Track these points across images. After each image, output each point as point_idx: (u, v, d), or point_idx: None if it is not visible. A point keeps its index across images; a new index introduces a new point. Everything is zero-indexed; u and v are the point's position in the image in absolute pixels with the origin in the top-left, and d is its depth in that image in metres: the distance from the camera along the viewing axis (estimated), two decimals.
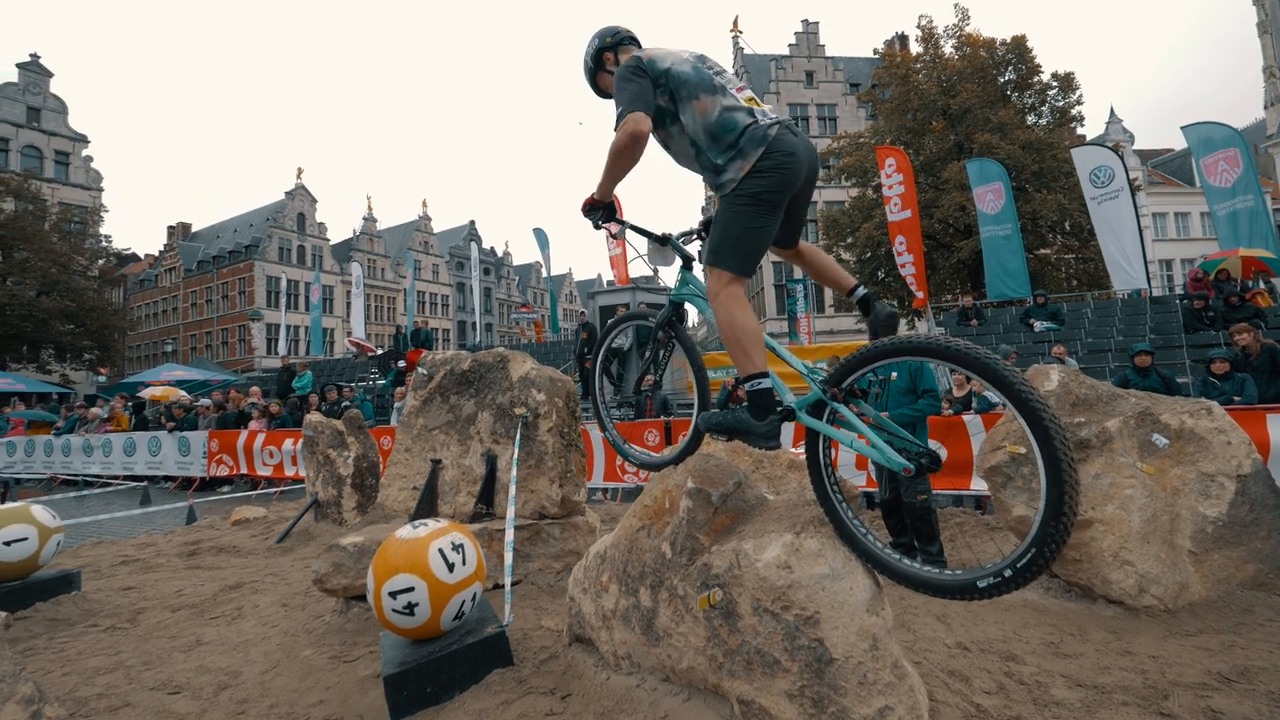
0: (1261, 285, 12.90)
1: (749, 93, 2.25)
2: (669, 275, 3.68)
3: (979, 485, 6.01)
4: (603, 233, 2.54)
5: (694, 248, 2.62)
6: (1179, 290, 20.21)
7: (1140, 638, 3.03)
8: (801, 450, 2.10)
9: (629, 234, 2.60)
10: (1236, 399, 6.22)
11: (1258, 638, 2.94)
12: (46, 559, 3.95)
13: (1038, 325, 12.83)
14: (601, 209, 2.42)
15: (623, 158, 2.19)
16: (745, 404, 2.12)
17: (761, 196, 2.08)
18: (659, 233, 2.60)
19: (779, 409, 2.10)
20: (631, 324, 2.87)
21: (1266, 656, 2.72)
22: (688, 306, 2.66)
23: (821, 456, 2.05)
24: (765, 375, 2.07)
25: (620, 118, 2.15)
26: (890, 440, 1.93)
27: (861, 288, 2.28)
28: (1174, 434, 3.55)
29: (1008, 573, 1.60)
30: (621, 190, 2.47)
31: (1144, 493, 3.39)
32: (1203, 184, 14.39)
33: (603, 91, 2.59)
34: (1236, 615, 3.22)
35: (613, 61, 2.49)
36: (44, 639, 3.45)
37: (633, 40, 2.53)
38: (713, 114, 2.16)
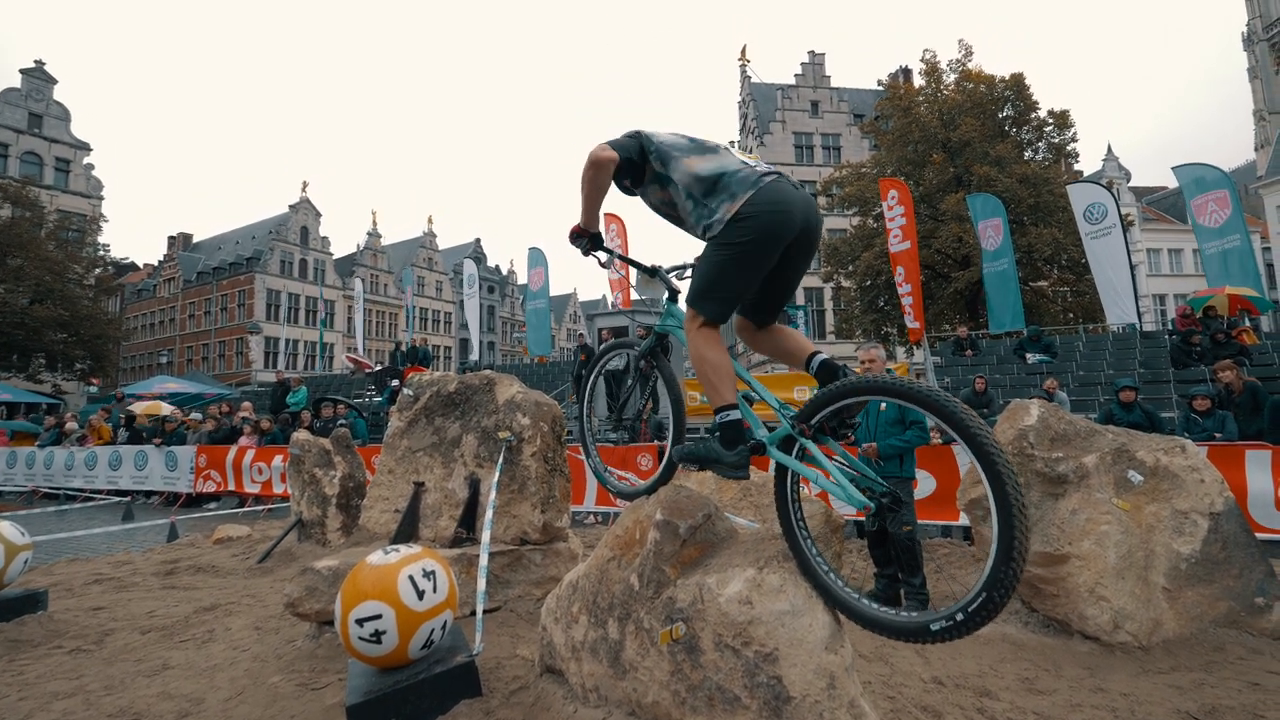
0: (1247, 323, 13.07)
1: (752, 153, 2.29)
2: None
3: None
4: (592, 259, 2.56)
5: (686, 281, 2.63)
6: (1172, 325, 20.40)
7: (1114, 675, 3.03)
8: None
9: (618, 262, 2.62)
10: (1217, 436, 6.26)
11: (1227, 676, 2.95)
12: (13, 577, 3.84)
13: (1031, 357, 12.90)
14: (587, 237, 2.45)
15: (587, 183, 2.26)
16: (717, 435, 2.13)
17: (742, 244, 2.01)
18: (648, 264, 2.62)
19: (749, 441, 2.11)
20: (620, 351, 2.88)
21: (1235, 695, 2.73)
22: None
23: (789, 491, 2.05)
24: (734, 407, 2.10)
25: None
26: (856, 478, 1.94)
27: (819, 354, 2.15)
28: (1149, 471, 3.57)
29: (959, 616, 1.59)
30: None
31: (1120, 529, 3.40)
32: (1193, 223, 14.62)
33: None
34: (1209, 653, 3.22)
35: None
36: (3, 661, 3.34)
37: None
38: (704, 164, 2.18)
